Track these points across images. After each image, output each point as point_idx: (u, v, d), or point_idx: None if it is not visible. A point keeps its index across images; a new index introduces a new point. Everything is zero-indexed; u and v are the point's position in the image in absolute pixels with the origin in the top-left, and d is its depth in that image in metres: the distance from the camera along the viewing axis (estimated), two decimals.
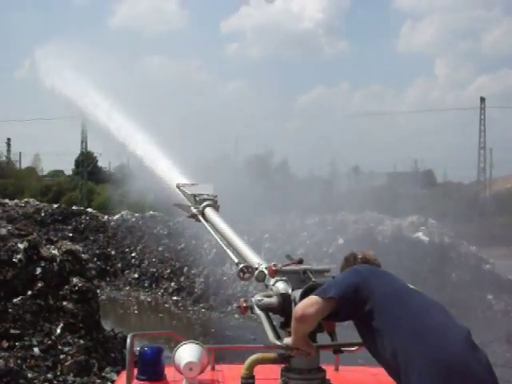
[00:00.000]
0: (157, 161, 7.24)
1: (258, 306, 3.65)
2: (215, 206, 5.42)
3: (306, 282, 3.66)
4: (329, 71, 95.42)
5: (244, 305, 3.70)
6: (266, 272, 3.93)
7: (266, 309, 3.66)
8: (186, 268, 26.24)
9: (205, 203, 5.38)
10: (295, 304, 3.50)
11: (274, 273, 3.80)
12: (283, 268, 3.81)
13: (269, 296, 3.73)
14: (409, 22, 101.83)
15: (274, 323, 3.70)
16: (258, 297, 3.70)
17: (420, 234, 26.38)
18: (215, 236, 4.94)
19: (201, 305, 23.92)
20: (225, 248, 4.69)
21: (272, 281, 3.86)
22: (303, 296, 3.44)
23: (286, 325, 3.62)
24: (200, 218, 5.28)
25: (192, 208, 5.43)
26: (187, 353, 3.99)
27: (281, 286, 3.77)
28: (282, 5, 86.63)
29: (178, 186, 5.89)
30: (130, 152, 8.17)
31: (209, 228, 5.09)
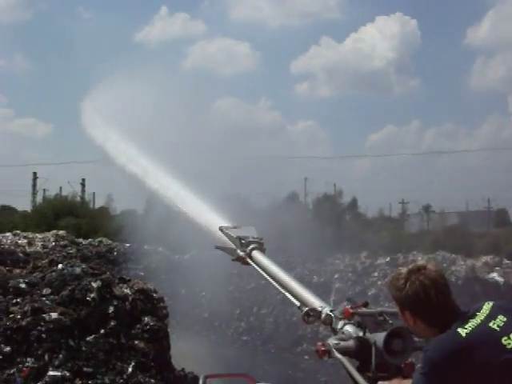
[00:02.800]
0: (206, 204, 7.26)
1: (337, 350, 3.57)
2: (261, 248, 5.36)
3: (381, 325, 3.58)
4: (399, 110, 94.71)
5: (322, 348, 3.62)
6: (338, 315, 3.87)
7: (344, 353, 3.58)
8: (255, 308, 26.16)
9: (251, 246, 5.32)
10: (376, 347, 3.42)
11: (351, 315, 3.72)
12: (359, 310, 3.73)
13: (343, 339, 3.65)
14: (481, 59, 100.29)
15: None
16: (333, 340, 3.62)
17: (495, 275, 25.65)
18: (268, 278, 4.88)
19: (270, 345, 23.77)
20: (282, 291, 4.64)
21: (340, 324, 3.79)
22: (388, 339, 3.37)
23: (362, 369, 3.53)
24: (249, 260, 5.23)
25: (238, 251, 5.38)
26: None
27: (351, 330, 3.70)
28: (352, 45, 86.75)
29: (221, 229, 5.85)
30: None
31: (260, 271, 5.04)
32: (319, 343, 3.65)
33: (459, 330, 3.11)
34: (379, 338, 3.46)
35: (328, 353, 3.60)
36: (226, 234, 5.73)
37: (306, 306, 4.15)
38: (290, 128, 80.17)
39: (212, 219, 6.57)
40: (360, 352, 3.53)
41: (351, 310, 3.72)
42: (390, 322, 3.59)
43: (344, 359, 3.56)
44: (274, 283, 4.78)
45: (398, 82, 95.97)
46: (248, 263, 5.26)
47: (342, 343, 3.59)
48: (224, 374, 5.43)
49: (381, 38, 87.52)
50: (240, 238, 5.45)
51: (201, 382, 4.14)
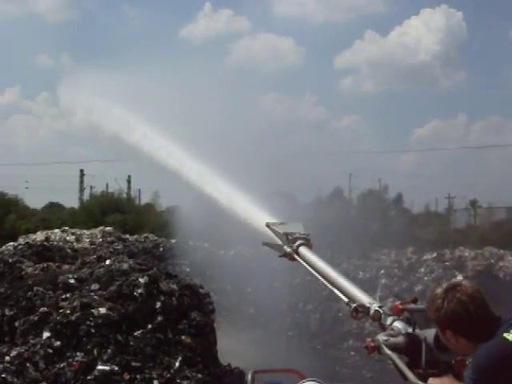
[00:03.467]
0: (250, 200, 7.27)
1: (387, 346, 3.55)
2: (308, 244, 5.33)
3: (431, 321, 3.55)
4: (445, 103, 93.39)
5: (372, 344, 3.61)
6: (386, 311, 3.85)
7: (394, 349, 3.56)
8: (301, 303, 26.09)
9: (298, 242, 5.30)
10: (426, 343, 3.40)
11: (401, 311, 3.71)
12: (408, 307, 3.71)
13: (392, 335, 3.63)
14: None
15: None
16: (383, 336, 3.61)
17: None
18: (316, 274, 4.87)
19: (316, 341, 23.70)
20: (330, 287, 4.63)
21: (389, 320, 3.77)
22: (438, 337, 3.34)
23: (411, 365, 3.51)
24: (296, 257, 5.22)
25: (285, 247, 5.36)
26: None
27: (400, 326, 3.68)
28: (397, 38, 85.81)
29: (267, 225, 5.84)
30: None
31: (308, 267, 5.03)
32: (368, 339, 3.64)
33: (505, 335, 3.10)
34: (429, 334, 3.44)
35: (377, 349, 3.59)
36: (273, 231, 5.73)
37: (354, 302, 4.14)
38: (335, 123, 79.82)
39: (258, 215, 6.58)
40: (410, 348, 3.51)
41: (401, 306, 3.70)
42: None
43: (394, 355, 3.54)
44: (322, 279, 4.76)
45: (443, 76, 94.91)
46: (295, 259, 5.25)
47: (392, 339, 3.58)
48: (272, 370, 5.44)
49: (426, 31, 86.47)
50: (287, 234, 5.45)
51: (249, 377, 4.15)
